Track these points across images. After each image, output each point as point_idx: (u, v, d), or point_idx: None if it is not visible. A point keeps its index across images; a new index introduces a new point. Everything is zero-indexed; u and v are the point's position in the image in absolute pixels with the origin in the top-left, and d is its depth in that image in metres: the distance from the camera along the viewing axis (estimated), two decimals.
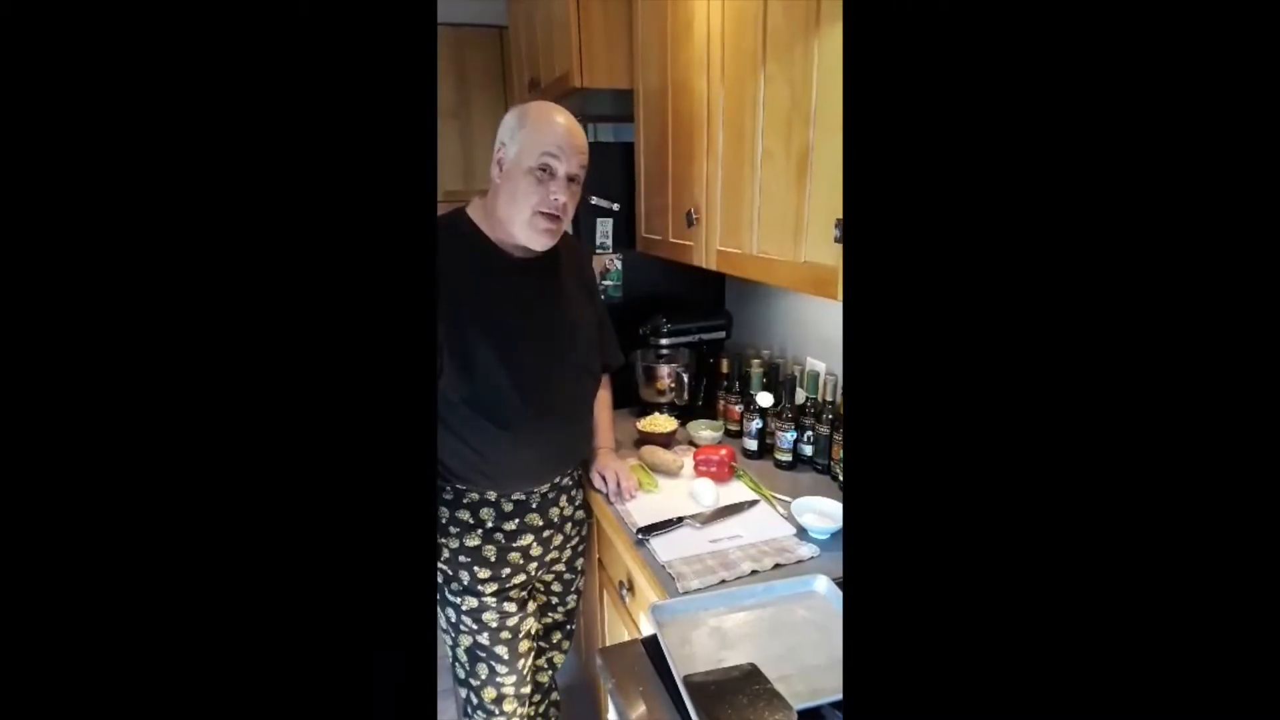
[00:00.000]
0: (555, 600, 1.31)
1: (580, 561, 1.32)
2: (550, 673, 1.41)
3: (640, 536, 1.12)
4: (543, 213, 1.02)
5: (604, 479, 1.26)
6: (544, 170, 1.00)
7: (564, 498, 1.22)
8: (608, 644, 1.36)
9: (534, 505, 1.16)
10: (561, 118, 1.02)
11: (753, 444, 1.44)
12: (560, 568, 1.27)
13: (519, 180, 1.00)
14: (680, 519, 1.16)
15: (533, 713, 1.43)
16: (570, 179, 1.03)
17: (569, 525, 1.24)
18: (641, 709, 0.78)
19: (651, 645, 0.85)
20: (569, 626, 1.37)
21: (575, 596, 1.34)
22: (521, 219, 1.02)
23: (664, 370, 1.61)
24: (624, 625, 1.25)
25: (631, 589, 1.16)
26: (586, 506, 1.31)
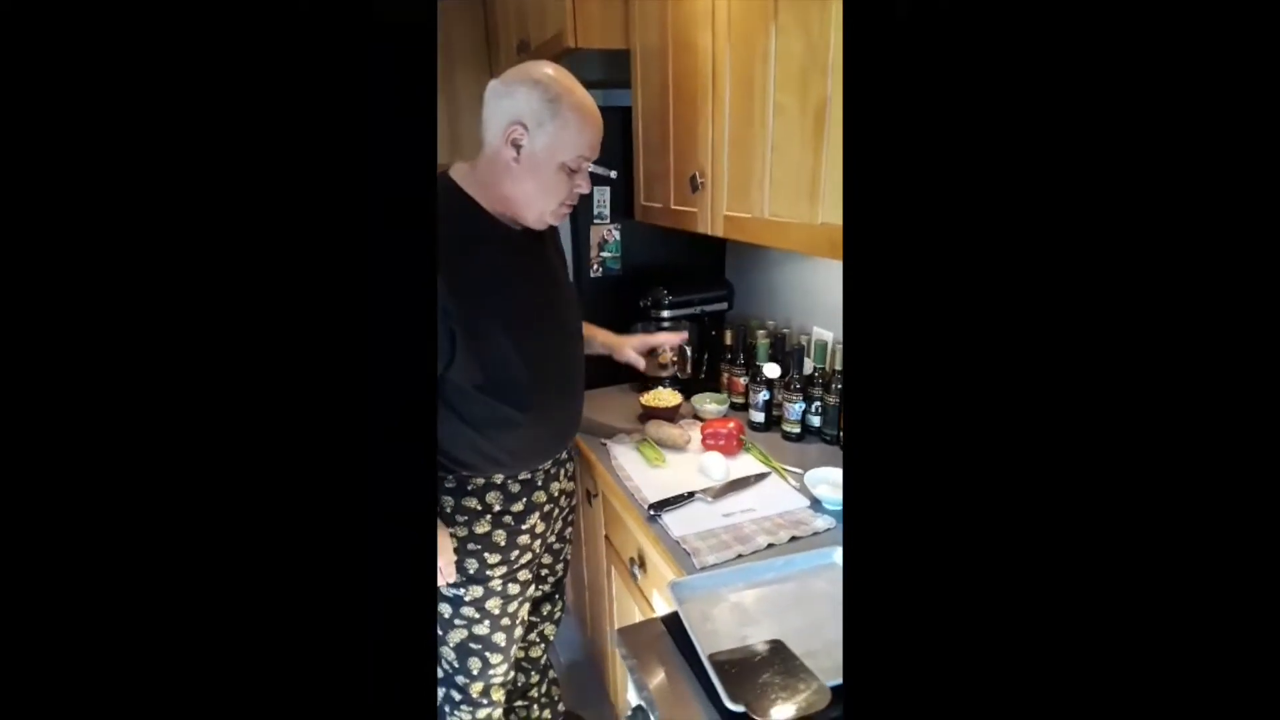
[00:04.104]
0: (545, 572, 1.29)
1: (569, 530, 1.30)
2: (543, 646, 1.38)
3: (652, 513, 1.09)
4: (566, 203, 1.02)
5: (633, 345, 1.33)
6: (577, 167, 0.99)
7: (562, 471, 1.20)
8: (617, 623, 1.34)
9: (539, 483, 1.13)
10: (596, 108, 0.99)
11: (759, 416, 1.41)
12: (552, 539, 1.25)
13: (548, 174, 0.97)
14: (691, 494, 1.13)
15: (537, 695, 1.41)
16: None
17: (563, 497, 1.22)
18: (661, 677, 0.76)
19: (672, 623, 0.82)
20: (557, 596, 1.36)
21: (563, 565, 1.33)
22: (544, 209, 1.00)
23: None
24: (635, 603, 1.22)
25: (643, 566, 1.14)
26: (574, 476, 1.30)
